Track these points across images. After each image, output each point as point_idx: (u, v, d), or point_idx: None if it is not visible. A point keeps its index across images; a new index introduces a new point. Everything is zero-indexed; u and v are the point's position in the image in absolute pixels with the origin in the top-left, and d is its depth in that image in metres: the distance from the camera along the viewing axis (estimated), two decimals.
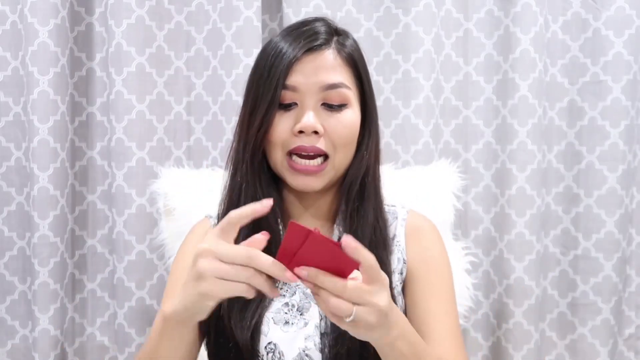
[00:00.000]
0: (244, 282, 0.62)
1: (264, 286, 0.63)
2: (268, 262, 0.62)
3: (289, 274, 0.61)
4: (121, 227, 1.38)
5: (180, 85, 1.45)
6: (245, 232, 0.84)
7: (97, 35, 1.43)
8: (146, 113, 1.39)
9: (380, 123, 1.41)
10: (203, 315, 0.68)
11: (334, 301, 0.61)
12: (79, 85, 1.44)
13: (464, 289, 1.21)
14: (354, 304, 0.61)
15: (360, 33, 1.44)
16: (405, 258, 0.92)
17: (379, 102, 1.43)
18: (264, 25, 1.46)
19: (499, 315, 1.46)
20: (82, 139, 1.46)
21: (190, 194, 1.20)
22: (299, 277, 0.62)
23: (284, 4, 1.39)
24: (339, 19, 1.42)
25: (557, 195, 1.48)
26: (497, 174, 1.46)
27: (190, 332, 0.74)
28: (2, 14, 1.40)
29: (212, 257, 0.63)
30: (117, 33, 1.35)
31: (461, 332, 0.92)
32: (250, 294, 0.63)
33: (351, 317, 0.61)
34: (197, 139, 1.46)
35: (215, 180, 1.09)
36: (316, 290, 0.62)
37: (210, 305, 0.66)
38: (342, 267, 0.61)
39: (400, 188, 1.19)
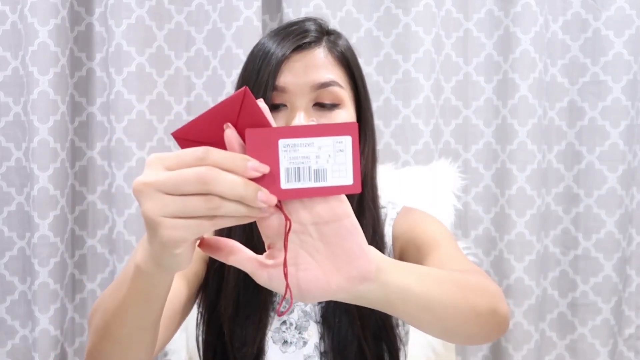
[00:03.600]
0: (207, 215, 0.46)
1: (237, 210, 0.46)
2: (228, 158, 0.46)
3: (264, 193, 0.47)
4: (121, 227, 1.37)
5: (180, 85, 1.45)
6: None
7: (97, 35, 1.43)
8: (146, 113, 1.39)
9: (380, 123, 1.43)
10: (181, 266, 0.51)
11: None
12: (79, 85, 1.44)
13: None
14: None
15: (360, 33, 1.44)
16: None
17: (379, 102, 1.43)
18: (264, 25, 1.46)
19: None
20: (82, 139, 1.46)
21: None
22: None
23: (284, 4, 1.39)
24: (339, 19, 1.42)
25: (557, 195, 1.48)
26: (497, 174, 1.46)
27: (164, 286, 0.56)
28: (2, 14, 1.40)
29: (155, 192, 0.46)
30: (117, 33, 1.35)
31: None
32: (231, 222, 0.48)
33: None
34: None
35: None
36: None
37: (179, 253, 0.48)
38: None
39: (400, 188, 1.19)
